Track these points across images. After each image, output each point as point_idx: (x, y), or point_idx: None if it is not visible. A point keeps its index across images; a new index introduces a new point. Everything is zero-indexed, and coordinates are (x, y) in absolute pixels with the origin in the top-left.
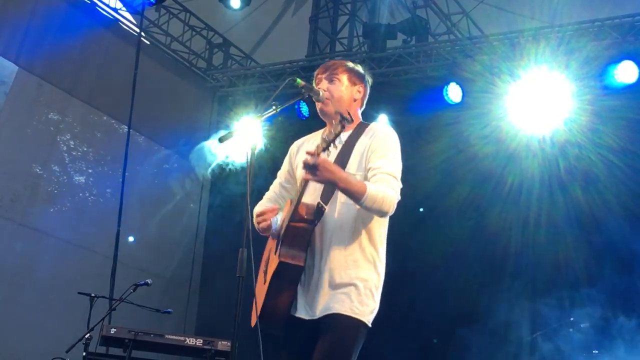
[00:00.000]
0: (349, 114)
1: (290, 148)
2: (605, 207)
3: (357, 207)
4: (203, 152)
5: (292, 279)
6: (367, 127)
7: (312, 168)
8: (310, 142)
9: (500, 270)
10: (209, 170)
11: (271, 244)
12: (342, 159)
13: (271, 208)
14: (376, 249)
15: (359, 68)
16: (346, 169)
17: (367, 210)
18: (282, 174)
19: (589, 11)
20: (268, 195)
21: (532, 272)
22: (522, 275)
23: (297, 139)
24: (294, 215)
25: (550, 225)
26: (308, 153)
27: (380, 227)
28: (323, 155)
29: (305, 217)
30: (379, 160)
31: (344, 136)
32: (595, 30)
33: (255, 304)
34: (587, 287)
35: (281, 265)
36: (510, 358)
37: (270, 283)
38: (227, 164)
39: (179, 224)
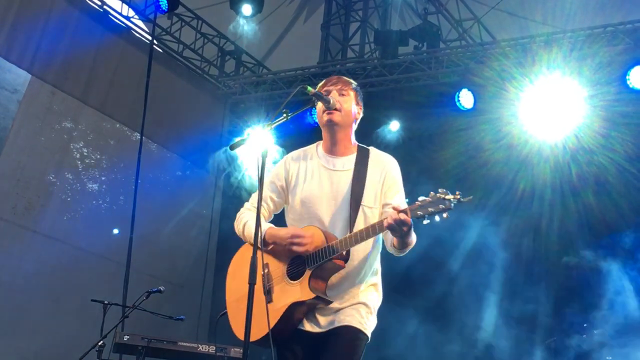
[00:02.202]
0: (459, 194)
1: (284, 161)
2: (617, 213)
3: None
4: (220, 159)
5: (313, 308)
6: (367, 153)
7: (402, 225)
8: (307, 156)
9: (512, 276)
10: (222, 176)
11: (245, 255)
12: (358, 189)
13: (310, 234)
14: (377, 273)
15: (359, 89)
16: (363, 202)
17: (396, 252)
18: (271, 186)
19: (601, 17)
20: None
21: (543, 278)
22: (534, 280)
23: (308, 145)
24: (341, 255)
25: (562, 231)
26: (396, 209)
27: (379, 248)
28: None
29: (346, 255)
30: (396, 196)
31: (349, 161)
32: (607, 35)
33: (268, 317)
34: (597, 292)
35: (317, 299)
36: None
37: (289, 309)
38: (240, 171)
39: (191, 231)
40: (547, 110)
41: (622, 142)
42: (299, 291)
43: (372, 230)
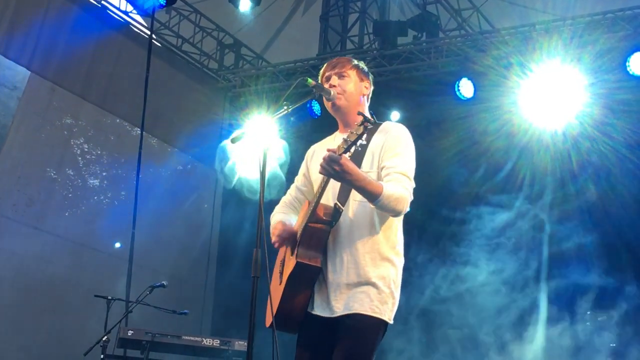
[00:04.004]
0: (372, 115)
1: (307, 152)
2: (618, 200)
3: (367, 204)
4: (221, 153)
5: (309, 279)
6: (379, 125)
7: (332, 163)
8: (326, 145)
9: (511, 263)
10: (223, 169)
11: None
12: (357, 157)
13: (283, 228)
14: (393, 244)
15: (364, 65)
16: (361, 167)
17: (381, 210)
18: (298, 177)
19: (601, 4)
20: (285, 199)
21: (543, 266)
22: (533, 268)
23: (309, 137)
24: (312, 217)
25: (563, 218)
26: (329, 150)
27: (395, 222)
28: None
29: (324, 218)
30: (393, 158)
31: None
32: (607, 22)
33: (271, 304)
34: (600, 280)
35: (299, 265)
36: (527, 354)
37: (286, 284)
38: (241, 164)
39: (193, 225)
40: (548, 98)
41: (622, 129)
42: (291, 263)
43: (322, 183)
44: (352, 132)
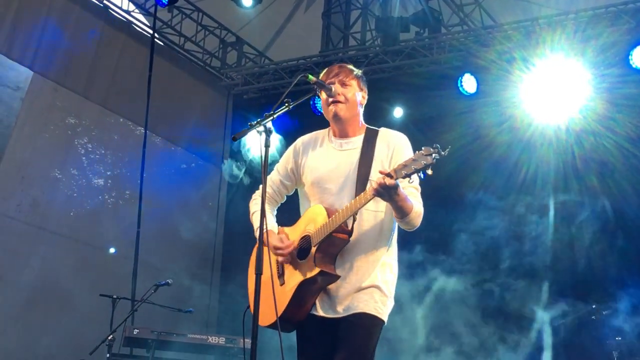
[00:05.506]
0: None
1: (294, 145)
2: (621, 195)
3: (378, 214)
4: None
5: (323, 287)
6: (376, 132)
7: (390, 190)
8: (317, 142)
9: (514, 259)
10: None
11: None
12: (365, 168)
13: (289, 244)
14: (392, 252)
15: (362, 75)
16: (370, 177)
17: (404, 225)
18: (282, 169)
19: None
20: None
21: (547, 261)
22: (537, 263)
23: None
24: (340, 227)
25: (565, 213)
26: (382, 173)
27: (394, 229)
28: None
29: (346, 228)
30: None
31: (358, 141)
32: (610, 16)
33: (275, 304)
34: (602, 275)
35: (321, 274)
36: (536, 348)
37: (298, 289)
38: (244, 161)
39: (198, 223)
40: (551, 92)
41: (625, 124)
42: (306, 269)
43: (362, 199)
44: (416, 160)
